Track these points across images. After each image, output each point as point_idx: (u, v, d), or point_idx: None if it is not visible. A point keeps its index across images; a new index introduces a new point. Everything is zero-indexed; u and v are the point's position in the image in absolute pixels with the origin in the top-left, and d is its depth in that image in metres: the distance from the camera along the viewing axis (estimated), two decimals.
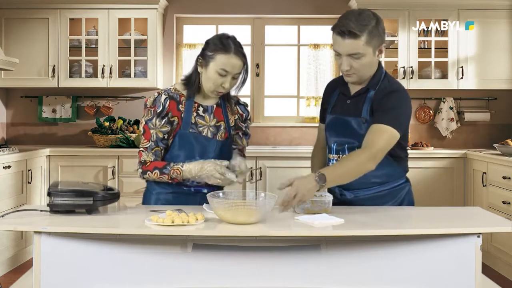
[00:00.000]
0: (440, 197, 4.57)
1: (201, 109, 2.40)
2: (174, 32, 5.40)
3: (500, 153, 4.36)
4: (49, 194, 2.08)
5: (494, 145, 4.51)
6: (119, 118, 5.25)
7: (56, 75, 5.02)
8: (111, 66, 5.01)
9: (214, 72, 2.29)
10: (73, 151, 4.80)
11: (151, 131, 2.36)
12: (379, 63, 2.33)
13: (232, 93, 2.47)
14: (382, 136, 2.15)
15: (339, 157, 2.34)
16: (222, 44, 2.29)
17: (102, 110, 5.30)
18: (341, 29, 2.17)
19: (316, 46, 5.35)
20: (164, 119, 2.35)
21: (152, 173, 2.32)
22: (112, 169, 4.74)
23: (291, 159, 4.67)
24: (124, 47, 5.13)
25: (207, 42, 2.36)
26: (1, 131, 5.33)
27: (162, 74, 5.30)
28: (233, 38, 2.33)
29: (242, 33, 5.49)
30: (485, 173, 4.36)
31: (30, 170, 4.44)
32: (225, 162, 2.30)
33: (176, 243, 1.96)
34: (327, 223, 1.98)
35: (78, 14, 5.07)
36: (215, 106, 2.44)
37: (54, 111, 5.34)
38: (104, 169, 4.76)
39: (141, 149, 2.37)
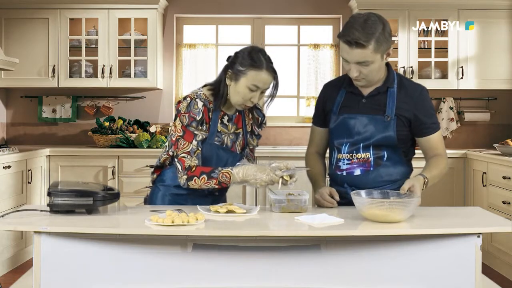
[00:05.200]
0: (440, 197, 4.57)
1: (226, 117, 2.39)
2: (174, 32, 5.40)
3: (500, 153, 4.36)
4: (49, 194, 2.08)
5: (494, 145, 4.51)
6: (119, 118, 5.25)
7: (56, 75, 5.02)
8: (111, 66, 5.01)
9: (245, 87, 2.26)
10: (73, 151, 4.80)
11: (195, 132, 2.28)
12: (387, 62, 2.36)
13: (263, 110, 2.52)
14: (441, 142, 2.39)
15: (351, 156, 2.35)
16: (254, 59, 2.25)
17: (102, 110, 5.30)
18: (347, 39, 2.17)
19: (316, 46, 5.35)
20: (204, 126, 2.30)
21: (199, 178, 2.24)
22: (112, 169, 4.74)
23: (291, 159, 4.65)
24: (124, 47, 5.13)
25: (237, 55, 2.30)
26: (1, 131, 5.33)
27: (162, 74, 5.31)
28: (263, 53, 2.30)
29: (242, 33, 5.50)
30: (485, 173, 4.36)
31: (30, 170, 4.44)
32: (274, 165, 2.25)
33: (176, 243, 1.96)
34: (327, 223, 1.98)
35: (78, 14, 5.07)
36: (236, 113, 2.44)
37: (54, 111, 5.34)
38: (104, 169, 4.76)
39: (182, 155, 2.27)
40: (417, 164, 2.51)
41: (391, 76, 2.36)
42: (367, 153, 2.34)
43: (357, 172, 2.35)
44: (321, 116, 2.50)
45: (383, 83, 2.35)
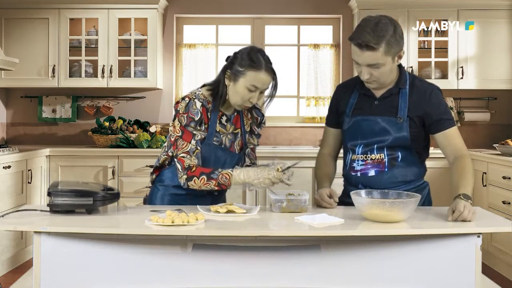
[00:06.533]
0: (440, 197, 4.56)
1: (224, 118, 2.39)
2: (174, 32, 5.40)
3: (500, 153, 4.36)
4: (49, 194, 2.08)
5: (494, 145, 4.51)
6: (119, 118, 5.25)
7: (56, 75, 5.02)
8: (111, 66, 5.01)
9: (244, 88, 2.26)
10: (73, 151, 4.80)
11: (194, 132, 2.28)
12: (399, 63, 2.35)
13: (262, 110, 2.50)
14: (459, 137, 2.35)
15: (366, 156, 2.35)
16: (252, 60, 2.24)
17: (102, 110, 5.30)
18: (358, 42, 2.18)
19: (316, 46, 5.35)
20: (202, 126, 2.31)
21: (198, 179, 2.24)
22: (112, 169, 4.74)
23: (291, 159, 4.65)
24: (124, 47, 5.13)
25: (235, 56, 2.30)
26: (1, 131, 5.33)
27: (162, 74, 5.31)
28: (262, 53, 2.29)
29: (242, 33, 5.50)
30: (485, 173, 4.36)
31: (30, 170, 4.44)
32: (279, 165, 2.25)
33: (176, 243, 1.96)
34: (327, 223, 1.98)
35: (78, 14, 5.07)
36: (235, 113, 2.44)
37: (54, 111, 5.34)
38: (104, 169, 4.76)
39: (182, 154, 2.27)
40: (431, 164, 2.50)
41: (403, 77, 2.35)
42: (381, 154, 2.34)
43: (372, 173, 2.35)
44: (335, 117, 2.49)
45: (395, 84, 2.34)
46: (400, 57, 2.27)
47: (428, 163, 2.49)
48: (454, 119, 2.39)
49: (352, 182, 2.40)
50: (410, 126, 2.31)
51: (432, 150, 2.61)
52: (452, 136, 2.34)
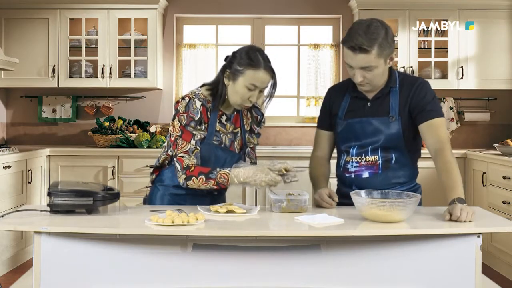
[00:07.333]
0: (440, 197, 4.56)
1: (224, 117, 2.39)
2: (174, 32, 5.40)
3: (500, 153, 4.36)
4: (49, 194, 2.08)
5: (494, 145, 4.51)
6: (119, 118, 5.25)
7: (56, 75, 5.02)
8: (111, 66, 5.01)
9: (243, 87, 2.26)
10: (73, 151, 4.80)
11: (194, 132, 2.28)
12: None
13: (262, 109, 2.50)
14: (443, 129, 2.30)
15: (360, 158, 2.35)
16: (251, 59, 2.24)
17: (102, 110, 5.30)
18: (351, 45, 2.19)
19: (316, 46, 5.35)
20: (202, 125, 2.31)
21: (197, 178, 2.24)
22: (112, 169, 4.74)
23: (291, 159, 4.66)
24: (124, 47, 5.13)
25: (234, 55, 2.30)
26: (1, 131, 5.33)
27: (162, 74, 5.31)
28: (261, 52, 2.29)
29: (242, 33, 5.50)
30: (485, 173, 4.36)
31: (30, 170, 4.44)
32: (278, 166, 2.24)
33: (176, 243, 1.96)
34: (327, 223, 1.98)
35: (78, 14, 5.07)
36: (235, 113, 2.44)
37: (54, 111, 5.34)
38: (104, 169, 4.76)
39: (181, 154, 2.27)
40: (423, 164, 2.50)
41: (393, 76, 2.37)
42: (375, 156, 2.34)
43: (366, 174, 2.35)
44: (327, 119, 2.50)
45: (386, 85, 2.36)
46: (391, 59, 2.29)
47: (420, 164, 2.49)
48: (441, 111, 2.34)
49: (346, 183, 2.41)
50: (402, 124, 2.32)
51: (424, 151, 2.61)
52: (436, 126, 2.29)
